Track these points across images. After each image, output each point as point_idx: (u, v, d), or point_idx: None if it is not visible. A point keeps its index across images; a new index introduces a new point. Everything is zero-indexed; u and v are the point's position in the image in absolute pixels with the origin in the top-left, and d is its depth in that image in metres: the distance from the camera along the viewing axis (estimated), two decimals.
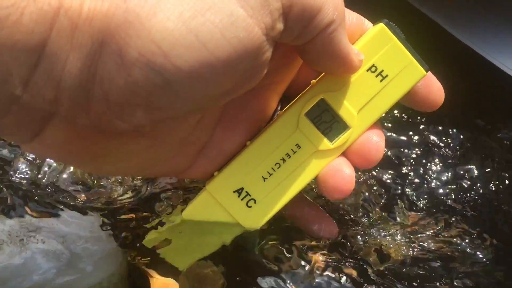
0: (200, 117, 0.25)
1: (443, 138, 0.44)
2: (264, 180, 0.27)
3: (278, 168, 0.27)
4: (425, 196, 0.40)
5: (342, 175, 0.26)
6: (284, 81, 0.28)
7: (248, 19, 0.19)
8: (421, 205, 0.40)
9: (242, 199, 0.27)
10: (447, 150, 0.43)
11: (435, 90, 0.27)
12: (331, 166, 0.27)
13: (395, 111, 0.45)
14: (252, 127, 0.27)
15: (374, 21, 0.27)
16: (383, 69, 0.26)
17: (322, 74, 0.27)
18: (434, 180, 0.41)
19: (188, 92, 0.19)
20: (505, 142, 0.45)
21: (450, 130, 0.44)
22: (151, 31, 0.17)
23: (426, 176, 0.42)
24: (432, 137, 0.44)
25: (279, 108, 0.29)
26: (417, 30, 0.33)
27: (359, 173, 0.40)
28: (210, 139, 0.27)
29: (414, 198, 0.40)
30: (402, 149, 0.43)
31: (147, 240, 0.28)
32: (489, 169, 0.42)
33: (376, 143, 0.27)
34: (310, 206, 0.31)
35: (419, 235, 0.36)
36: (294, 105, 0.27)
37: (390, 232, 0.36)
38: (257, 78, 0.21)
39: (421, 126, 0.45)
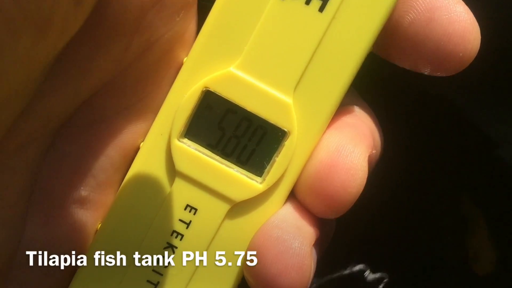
0: None
1: None
2: None
3: (165, 268, 0.15)
4: None
5: (277, 254, 0.13)
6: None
7: None
8: None
9: None
10: None
11: (443, 19, 0.13)
12: (264, 232, 0.14)
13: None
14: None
15: None
16: None
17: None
18: None
19: None
20: None
21: None
22: None
23: None
24: None
25: None
26: None
27: None
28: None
29: None
30: None
31: None
32: None
33: (346, 155, 0.13)
34: None
35: None
36: (154, 126, 0.14)
37: None
38: None
39: None
